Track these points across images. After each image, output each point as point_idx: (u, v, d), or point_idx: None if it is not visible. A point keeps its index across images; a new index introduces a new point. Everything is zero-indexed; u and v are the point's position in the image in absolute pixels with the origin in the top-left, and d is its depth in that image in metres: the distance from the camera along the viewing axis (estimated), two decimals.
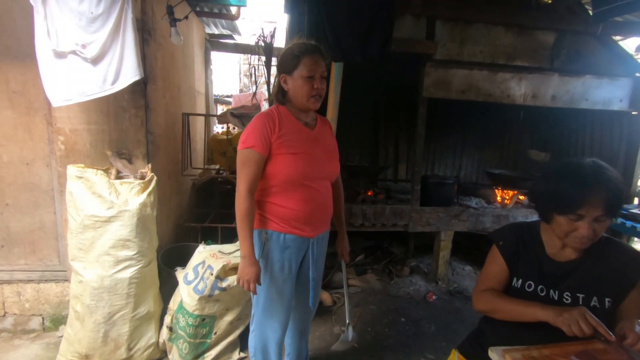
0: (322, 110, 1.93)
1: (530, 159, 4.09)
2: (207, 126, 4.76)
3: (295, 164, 1.45)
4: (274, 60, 3.17)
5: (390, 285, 3.23)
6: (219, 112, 7.58)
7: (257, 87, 4.68)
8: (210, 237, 2.80)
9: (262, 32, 3.37)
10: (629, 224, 3.03)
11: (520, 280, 1.18)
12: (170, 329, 2.09)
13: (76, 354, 1.96)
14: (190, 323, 1.98)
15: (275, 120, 1.45)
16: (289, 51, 1.46)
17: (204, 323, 2.01)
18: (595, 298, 1.09)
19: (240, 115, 2.95)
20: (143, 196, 1.99)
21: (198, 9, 3.66)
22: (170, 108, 2.86)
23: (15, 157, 2.21)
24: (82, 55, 1.86)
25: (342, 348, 2.06)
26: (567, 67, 3.14)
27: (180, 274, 2.15)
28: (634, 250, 1.17)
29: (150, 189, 2.03)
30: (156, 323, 2.14)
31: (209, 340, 2.05)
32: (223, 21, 4.41)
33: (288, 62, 1.44)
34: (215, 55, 5.18)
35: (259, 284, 1.46)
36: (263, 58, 3.51)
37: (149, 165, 2.15)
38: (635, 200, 3.45)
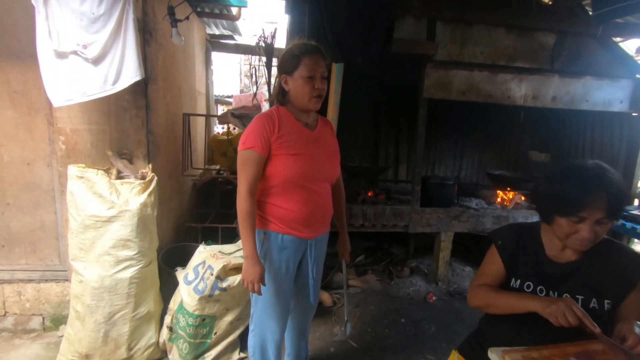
0: (323, 111, 1.93)
1: (530, 160, 4.09)
2: (208, 126, 4.78)
3: (294, 165, 1.45)
4: (274, 61, 3.17)
5: (390, 286, 3.23)
6: (220, 112, 7.57)
7: (257, 87, 4.68)
8: (211, 238, 2.80)
9: (263, 33, 3.38)
10: (628, 225, 3.03)
11: (518, 281, 1.18)
12: (171, 329, 2.09)
13: (76, 353, 1.97)
14: (191, 323, 1.98)
15: (274, 121, 1.45)
16: (289, 52, 1.46)
17: (204, 323, 2.01)
18: (594, 300, 1.09)
19: (241, 115, 2.96)
20: (144, 196, 1.99)
21: (199, 9, 3.66)
22: (171, 108, 2.86)
23: (16, 157, 2.22)
24: (83, 56, 1.86)
25: (339, 339, 2.14)
26: (568, 68, 3.15)
27: (180, 274, 2.15)
28: (634, 252, 1.17)
29: (150, 189, 2.03)
30: (156, 323, 2.14)
31: (209, 341, 2.05)
32: (224, 22, 4.41)
33: (288, 62, 1.44)
34: (216, 56, 5.18)
35: (264, 285, 1.45)
36: (264, 59, 3.52)
37: (150, 166, 2.15)
38: (636, 202, 3.45)
